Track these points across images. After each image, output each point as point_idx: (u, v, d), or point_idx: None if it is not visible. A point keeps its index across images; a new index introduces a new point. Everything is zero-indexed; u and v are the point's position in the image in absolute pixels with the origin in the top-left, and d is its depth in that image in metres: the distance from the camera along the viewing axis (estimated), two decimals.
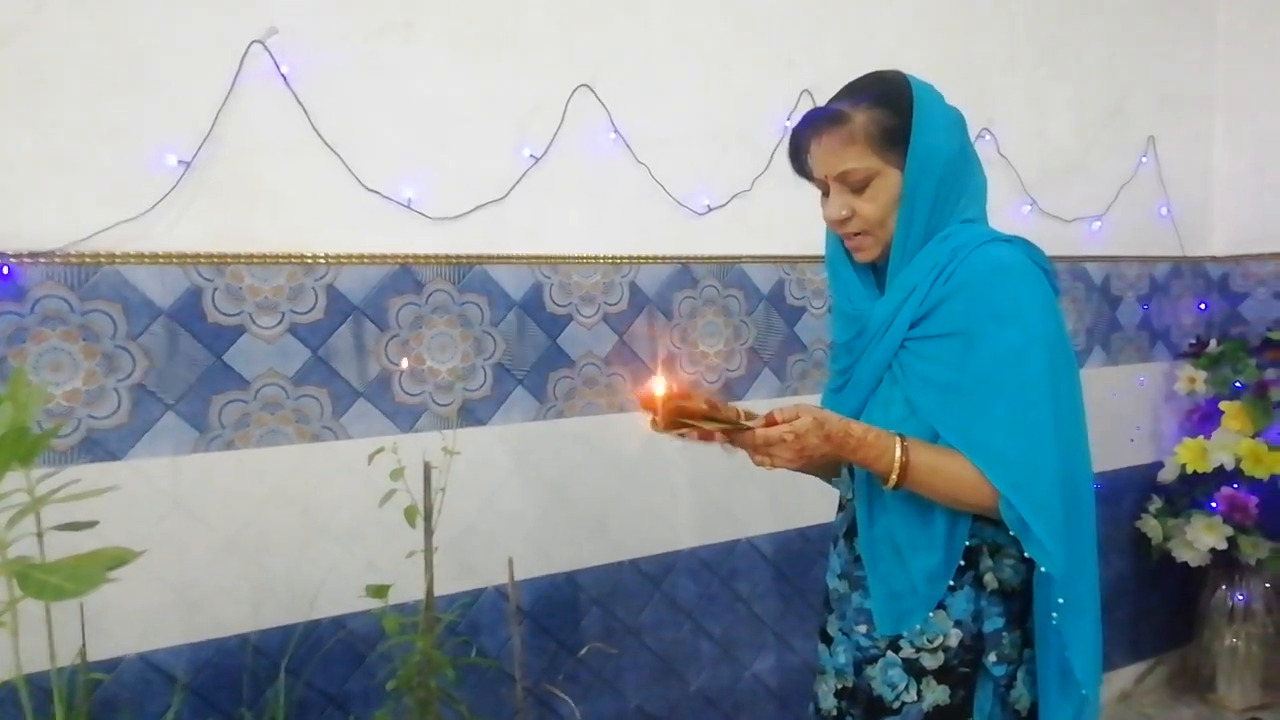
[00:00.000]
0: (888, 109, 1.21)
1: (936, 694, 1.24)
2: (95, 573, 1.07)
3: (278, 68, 1.68)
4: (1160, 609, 3.12)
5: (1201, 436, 2.91)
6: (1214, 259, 3.18)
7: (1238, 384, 2.94)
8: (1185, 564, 2.91)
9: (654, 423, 1.15)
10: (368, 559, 1.80)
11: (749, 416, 1.18)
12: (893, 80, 1.25)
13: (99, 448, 1.60)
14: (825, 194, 1.28)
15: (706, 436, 1.17)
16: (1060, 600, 1.18)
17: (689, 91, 2.14)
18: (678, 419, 1.13)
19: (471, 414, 1.93)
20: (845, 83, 1.28)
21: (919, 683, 1.25)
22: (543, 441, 2.01)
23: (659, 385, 1.12)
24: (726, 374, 2.25)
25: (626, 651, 2.14)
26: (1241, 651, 2.91)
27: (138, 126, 1.59)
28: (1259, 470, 2.75)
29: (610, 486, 2.10)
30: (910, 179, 1.21)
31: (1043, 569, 1.17)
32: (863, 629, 1.30)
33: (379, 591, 1.55)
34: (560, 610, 2.05)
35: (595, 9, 2.02)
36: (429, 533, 1.59)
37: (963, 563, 1.23)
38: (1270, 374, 2.91)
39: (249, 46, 1.66)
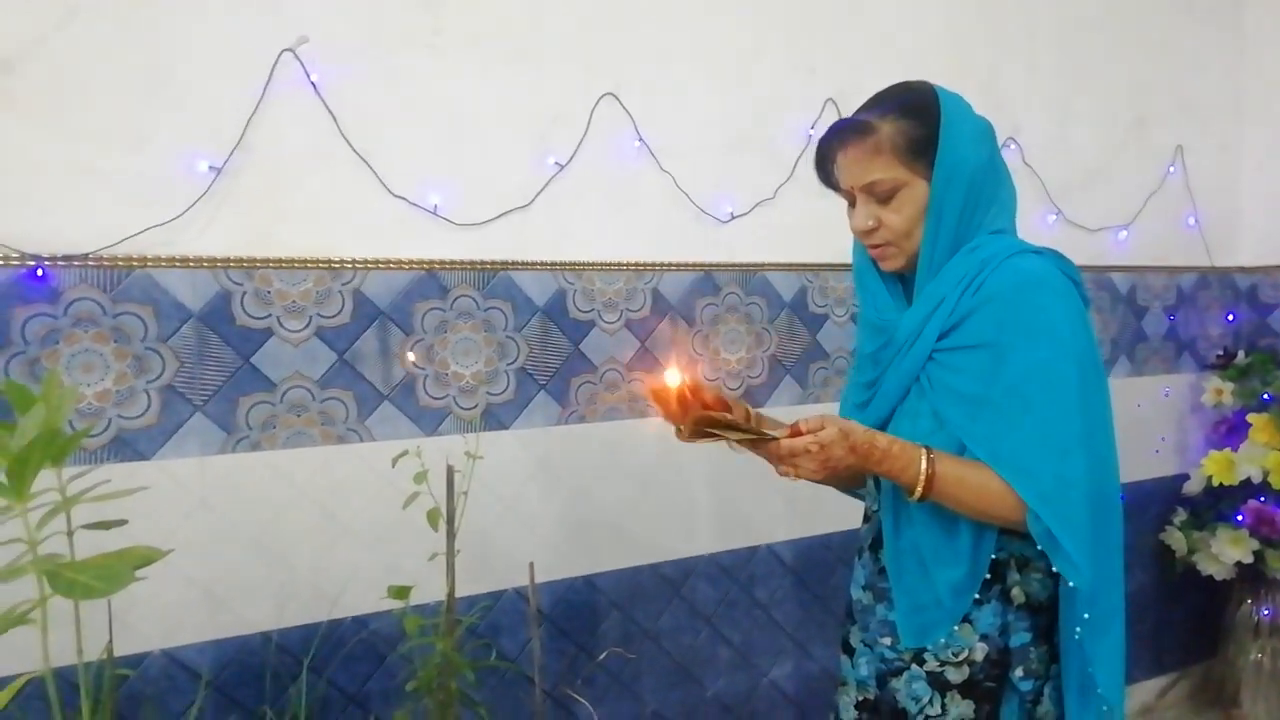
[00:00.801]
0: (915, 119, 1.20)
1: (961, 708, 1.23)
2: (123, 571, 1.09)
3: (308, 76, 1.71)
4: (1184, 623, 3.09)
5: (1228, 449, 2.88)
6: (1242, 269, 3.15)
7: (1266, 396, 2.90)
8: (1210, 577, 2.88)
9: (678, 432, 1.16)
10: (390, 560, 1.82)
11: (773, 425, 1.18)
12: (920, 90, 1.24)
13: (128, 448, 1.63)
14: (852, 204, 1.27)
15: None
16: (1086, 615, 1.17)
17: (713, 100, 2.15)
18: (703, 429, 1.13)
19: (494, 418, 1.95)
20: (869, 91, 1.28)
21: (943, 697, 1.24)
22: (564, 446, 2.02)
23: (672, 377, 1.13)
24: (748, 381, 2.26)
25: (645, 656, 2.15)
26: (1266, 667, 2.87)
27: (170, 133, 1.62)
28: None
29: (631, 491, 2.11)
30: (937, 190, 1.20)
31: (1070, 584, 1.16)
32: (887, 641, 1.29)
33: (400, 593, 1.57)
34: (579, 614, 2.06)
35: (620, 18, 2.03)
36: (451, 535, 1.61)
37: (989, 576, 1.22)
38: None
39: (280, 55, 1.69)
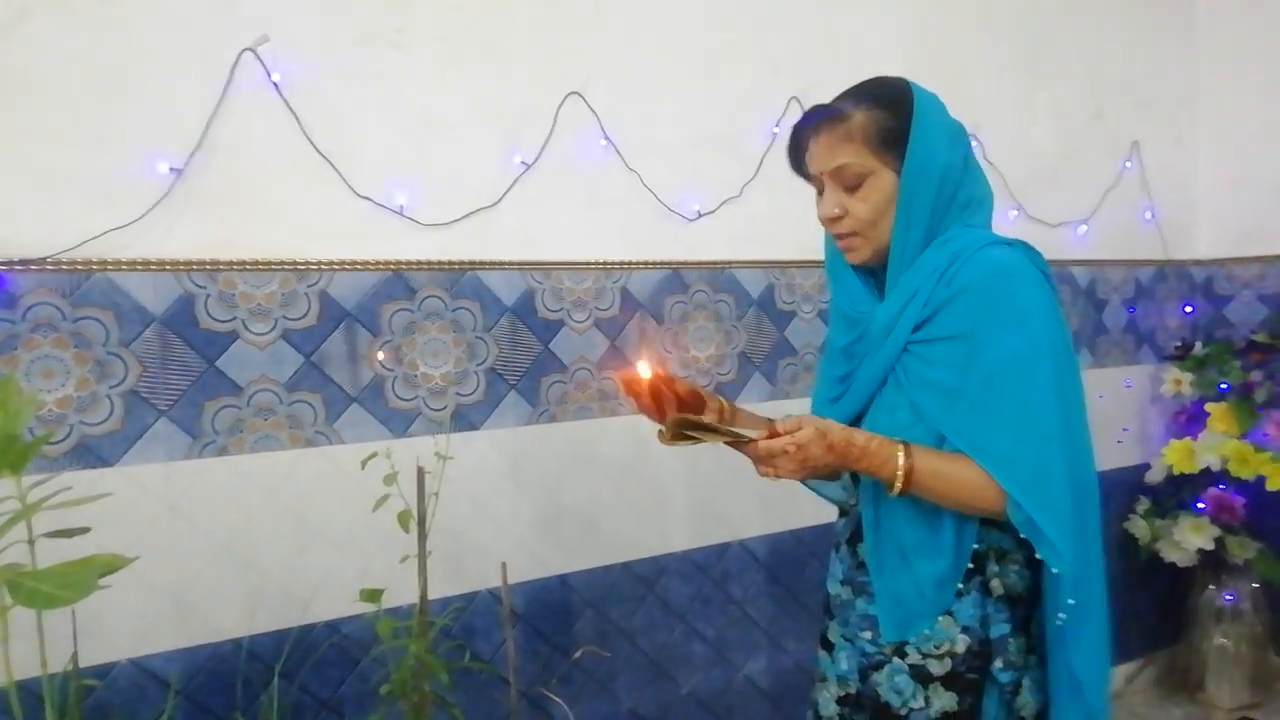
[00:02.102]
0: (887, 110, 1.22)
1: (944, 701, 1.23)
2: (87, 580, 1.07)
3: (269, 75, 1.69)
4: (1149, 609, 3.15)
5: (1188, 438, 2.94)
6: (1198, 262, 3.21)
7: (1223, 386, 2.96)
8: (1173, 565, 2.94)
9: (660, 434, 1.18)
10: (362, 563, 1.80)
11: (752, 421, 1.19)
12: (895, 84, 1.26)
13: (92, 454, 1.60)
14: (820, 193, 1.28)
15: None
16: (1071, 601, 1.18)
17: (679, 98, 2.16)
18: (683, 431, 1.15)
19: (464, 419, 1.94)
20: (833, 89, 1.29)
21: (926, 689, 1.24)
22: (535, 445, 2.02)
23: (643, 369, 1.13)
24: (718, 378, 2.27)
25: (620, 654, 2.14)
26: (1230, 651, 2.93)
27: (129, 134, 1.60)
28: (1245, 471, 2.77)
29: (602, 490, 2.11)
30: (907, 182, 1.21)
31: (1054, 570, 1.16)
32: (868, 635, 1.30)
33: (372, 596, 1.56)
34: (554, 613, 2.05)
35: (586, 17, 2.03)
36: (422, 537, 1.59)
37: (970, 568, 1.23)
38: (1255, 375, 2.94)
39: (240, 54, 1.67)
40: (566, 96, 2.00)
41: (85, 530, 1.26)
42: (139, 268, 1.61)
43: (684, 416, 1.15)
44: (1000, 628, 1.24)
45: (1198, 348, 3.08)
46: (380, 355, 1.83)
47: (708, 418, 1.28)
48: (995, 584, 1.24)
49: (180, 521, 1.66)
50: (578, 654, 2.03)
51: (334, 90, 1.77)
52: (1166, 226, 3.11)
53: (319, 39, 1.75)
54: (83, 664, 1.51)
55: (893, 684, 1.26)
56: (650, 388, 1.14)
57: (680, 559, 2.22)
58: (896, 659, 1.26)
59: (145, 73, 1.61)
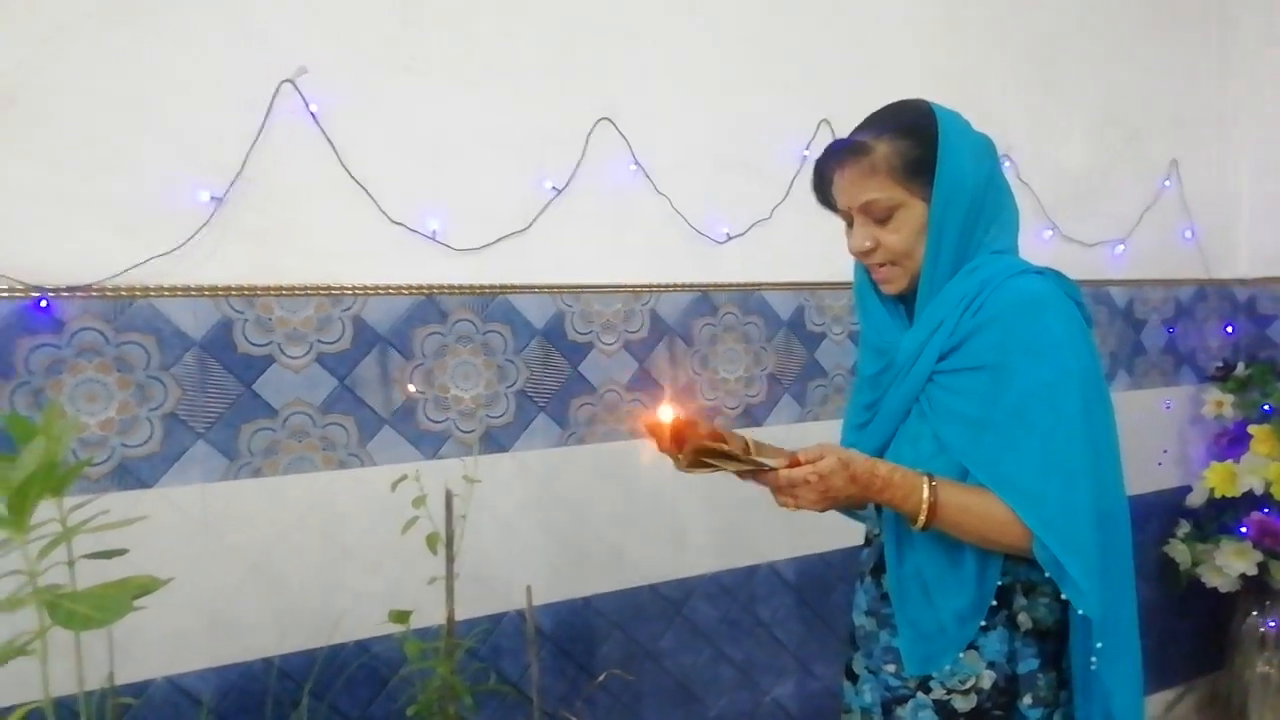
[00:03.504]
0: (911, 139, 1.20)
1: None
2: (122, 601, 1.10)
3: (307, 106, 1.73)
4: (1189, 636, 3.08)
5: (1230, 460, 2.88)
6: (1240, 281, 3.16)
7: (1266, 407, 2.90)
8: (1215, 590, 2.87)
9: (676, 461, 1.15)
10: (392, 584, 1.82)
11: (773, 453, 1.15)
12: (917, 109, 1.23)
13: (131, 476, 1.64)
14: (850, 225, 1.27)
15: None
16: (1099, 645, 1.15)
17: (708, 122, 2.17)
18: (700, 459, 1.12)
19: (494, 441, 1.96)
20: (862, 112, 1.28)
21: None
22: (564, 467, 2.04)
23: (665, 413, 1.12)
24: (747, 400, 2.27)
25: (646, 676, 2.15)
26: (1274, 679, 2.86)
27: (171, 164, 1.65)
28: None
29: (630, 511, 2.12)
30: (937, 209, 1.19)
31: (1079, 611, 1.14)
32: (891, 668, 1.28)
33: (400, 617, 1.58)
34: (580, 635, 2.07)
35: (615, 43, 2.06)
36: (450, 559, 1.61)
37: (995, 602, 1.21)
38: None
39: (279, 86, 1.71)
40: (597, 122, 2.03)
41: (123, 552, 1.29)
42: (180, 294, 1.66)
43: (702, 443, 1.12)
44: (1029, 663, 1.21)
45: (1240, 368, 3.02)
46: (411, 387, 1.86)
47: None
48: (1023, 618, 1.22)
49: (215, 542, 1.70)
50: (602, 677, 2.04)
51: (369, 119, 1.80)
52: (1207, 245, 3.06)
53: (353, 69, 1.79)
54: (119, 682, 1.54)
55: (917, 719, 1.25)
56: (673, 431, 1.13)
57: (708, 581, 2.22)
58: (920, 693, 1.24)
59: (186, 105, 1.65)
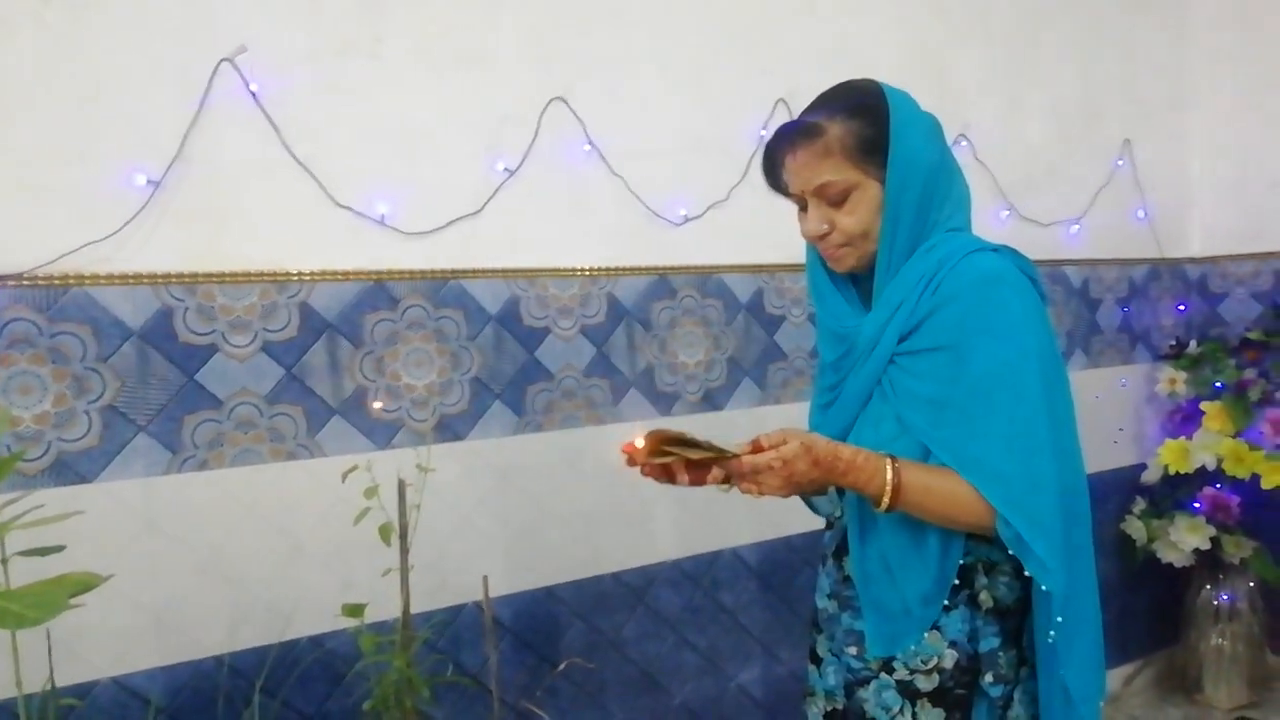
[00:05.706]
0: (863, 119, 1.18)
1: (931, 716, 1.21)
2: (58, 599, 1.05)
3: (247, 86, 1.68)
4: (1146, 610, 3.13)
5: (1183, 437, 2.92)
6: (1192, 260, 3.20)
7: (1218, 384, 2.95)
8: (1170, 565, 2.92)
9: (635, 454, 1.12)
10: (344, 577, 1.78)
11: (736, 446, 1.15)
12: (867, 88, 1.22)
13: (70, 470, 1.58)
14: (802, 209, 1.25)
15: (698, 480, 1.16)
16: (1059, 619, 1.15)
17: (664, 102, 2.14)
18: (660, 447, 1.10)
19: (449, 429, 1.92)
20: (820, 90, 1.26)
21: (914, 705, 1.21)
22: (522, 455, 2.00)
23: (638, 441, 1.10)
24: (707, 384, 2.25)
25: (609, 665, 2.13)
26: (1228, 651, 2.91)
27: (105, 147, 1.58)
28: (1240, 470, 2.75)
29: (590, 499, 2.09)
30: (892, 189, 1.18)
31: (1043, 587, 1.13)
32: (853, 650, 1.27)
33: (354, 610, 1.54)
34: (541, 625, 2.04)
35: (568, 22, 2.02)
36: (404, 550, 1.58)
37: (957, 581, 1.20)
38: (1249, 374, 2.92)
39: (218, 65, 1.65)
40: (550, 102, 1.99)
41: (59, 549, 1.24)
42: (116, 281, 1.60)
43: (661, 431, 1.11)
44: (990, 641, 1.21)
45: (1192, 346, 3.07)
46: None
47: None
48: (984, 597, 1.21)
49: (160, 537, 1.65)
50: (562, 665, 2.01)
51: (313, 100, 1.75)
52: (1159, 225, 3.09)
53: (297, 49, 1.74)
54: (62, 683, 1.49)
55: (879, 700, 1.24)
56: (649, 452, 1.11)
57: (670, 568, 2.20)
58: (883, 674, 1.24)
59: (121, 85, 1.59)
